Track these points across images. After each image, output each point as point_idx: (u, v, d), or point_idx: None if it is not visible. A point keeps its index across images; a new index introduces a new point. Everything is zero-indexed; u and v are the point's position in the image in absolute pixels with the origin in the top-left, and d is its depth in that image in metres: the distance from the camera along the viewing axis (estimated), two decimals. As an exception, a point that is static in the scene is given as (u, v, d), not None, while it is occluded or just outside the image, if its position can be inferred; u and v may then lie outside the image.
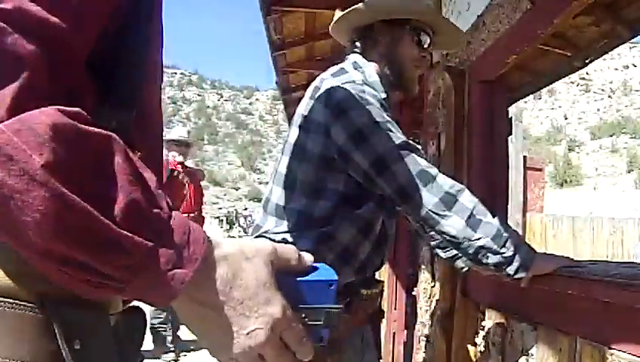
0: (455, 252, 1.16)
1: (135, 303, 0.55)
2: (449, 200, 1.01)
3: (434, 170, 1.03)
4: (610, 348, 0.94)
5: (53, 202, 0.34)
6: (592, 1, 1.25)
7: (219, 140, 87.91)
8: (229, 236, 21.25)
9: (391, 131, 1.04)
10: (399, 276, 3.10)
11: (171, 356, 3.87)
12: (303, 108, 1.13)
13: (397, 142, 1.03)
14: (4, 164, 0.33)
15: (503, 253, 1.01)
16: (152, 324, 3.95)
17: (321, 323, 0.47)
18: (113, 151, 0.38)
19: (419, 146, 1.08)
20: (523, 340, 1.28)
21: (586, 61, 2.18)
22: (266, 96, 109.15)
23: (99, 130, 0.37)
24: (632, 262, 4.10)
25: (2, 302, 0.43)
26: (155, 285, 0.39)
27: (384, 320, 2.12)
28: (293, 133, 1.14)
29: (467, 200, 1.02)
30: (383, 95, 1.15)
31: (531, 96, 3.70)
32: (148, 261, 0.38)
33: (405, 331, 2.95)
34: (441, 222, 1.01)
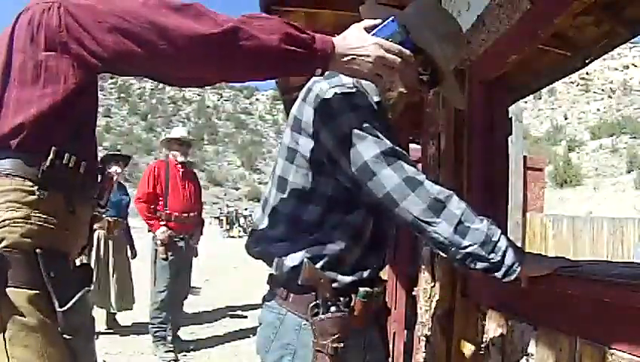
0: None
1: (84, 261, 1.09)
2: (437, 207, 1.00)
3: (421, 176, 1.03)
4: (610, 348, 0.94)
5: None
6: (592, 1, 1.25)
7: (219, 140, 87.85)
8: (230, 236, 21.23)
9: (378, 138, 1.03)
10: (399, 276, 3.10)
11: (171, 356, 3.87)
12: (295, 110, 1.13)
13: (383, 148, 1.02)
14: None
15: (491, 258, 1.01)
16: (152, 324, 3.95)
17: (399, 37, 0.99)
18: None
19: (406, 153, 1.07)
20: (523, 340, 1.28)
21: (586, 61, 2.18)
22: (266, 96, 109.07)
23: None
24: (632, 262, 4.10)
25: (15, 251, 0.87)
26: (321, 49, 0.92)
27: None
28: (287, 135, 1.14)
29: (455, 206, 1.01)
30: (377, 98, 1.14)
31: (531, 96, 3.70)
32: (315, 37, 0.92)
33: (405, 331, 2.95)
34: (428, 229, 1.01)
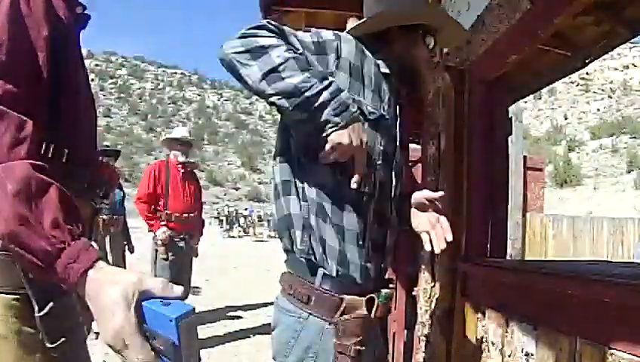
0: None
1: None
2: (257, 51, 0.96)
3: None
4: (610, 348, 0.94)
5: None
6: (592, 1, 1.25)
7: (219, 140, 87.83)
8: (230, 236, 21.24)
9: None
10: (399, 276, 3.09)
11: (171, 356, 3.87)
12: None
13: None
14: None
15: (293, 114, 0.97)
16: (152, 324, 3.96)
17: (164, 349, 0.60)
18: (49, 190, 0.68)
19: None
20: (523, 340, 1.28)
21: (586, 61, 2.18)
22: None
23: (45, 178, 0.69)
24: (632, 262, 4.10)
25: (2, 254, 0.78)
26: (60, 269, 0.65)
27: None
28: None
29: (277, 55, 0.95)
30: (385, 70, 1.18)
31: (531, 96, 3.70)
32: (60, 252, 0.65)
33: (405, 331, 2.95)
34: (240, 69, 0.96)
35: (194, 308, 0.61)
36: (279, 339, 1.13)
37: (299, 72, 0.95)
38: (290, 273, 1.13)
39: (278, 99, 0.96)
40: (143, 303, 0.61)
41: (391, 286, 1.19)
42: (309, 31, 1.10)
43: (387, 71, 1.18)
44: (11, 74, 0.74)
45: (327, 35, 1.10)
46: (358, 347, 1.04)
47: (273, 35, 0.99)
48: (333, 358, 1.04)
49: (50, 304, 0.80)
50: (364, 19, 1.20)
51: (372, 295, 1.09)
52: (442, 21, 1.24)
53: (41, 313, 0.79)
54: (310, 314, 1.08)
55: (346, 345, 1.04)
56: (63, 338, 0.81)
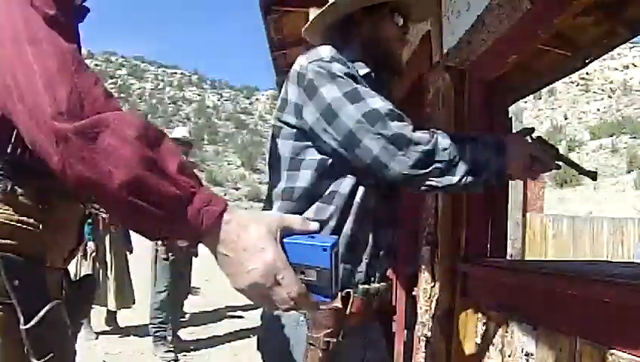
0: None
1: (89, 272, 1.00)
2: (426, 161, 1.02)
3: (407, 131, 1.03)
4: (610, 348, 0.94)
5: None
6: (592, 1, 1.25)
7: (219, 140, 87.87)
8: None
9: (359, 102, 1.03)
10: (399, 276, 3.09)
11: (171, 356, 3.87)
12: (283, 92, 1.14)
13: (365, 111, 1.02)
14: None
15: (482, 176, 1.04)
16: (152, 324, 3.95)
17: (314, 280, 0.60)
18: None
19: (399, 112, 1.07)
20: (523, 340, 1.28)
21: (586, 61, 2.18)
22: (266, 96, 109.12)
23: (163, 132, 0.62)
24: (632, 262, 4.10)
25: None
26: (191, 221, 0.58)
27: (384, 320, 2.12)
28: (274, 120, 1.15)
29: (442, 149, 1.03)
30: (365, 70, 1.15)
31: (531, 96, 3.70)
32: (192, 196, 0.58)
33: (405, 331, 2.95)
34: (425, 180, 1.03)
35: (338, 237, 0.66)
36: (262, 332, 1.16)
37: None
38: None
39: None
40: (285, 240, 0.61)
41: (384, 283, 1.18)
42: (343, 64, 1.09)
43: (367, 70, 1.16)
44: None
45: (345, 70, 1.09)
46: (328, 339, 1.03)
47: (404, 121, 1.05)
48: (305, 350, 1.05)
49: (39, 315, 0.74)
50: (325, 6, 1.18)
51: (349, 289, 1.08)
52: None
53: (28, 325, 0.73)
54: None
55: (317, 337, 1.04)
56: (51, 354, 0.75)
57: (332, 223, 1.07)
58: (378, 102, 1.04)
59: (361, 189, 1.09)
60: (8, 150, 0.75)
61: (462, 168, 1.03)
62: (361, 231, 1.10)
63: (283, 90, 1.14)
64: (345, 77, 1.06)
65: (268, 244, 0.59)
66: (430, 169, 1.02)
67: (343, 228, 1.08)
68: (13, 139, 0.75)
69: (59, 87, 0.59)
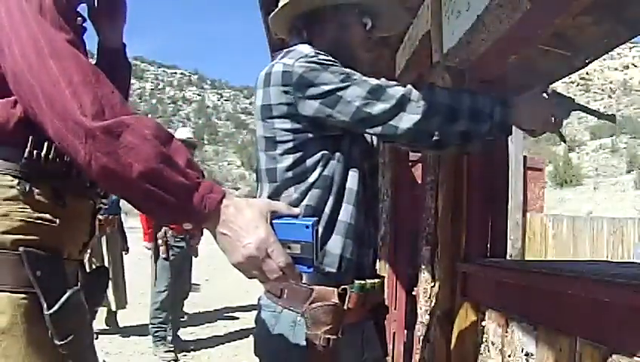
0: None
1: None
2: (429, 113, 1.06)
3: (406, 90, 1.08)
4: (611, 348, 0.94)
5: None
6: (592, 1, 1.25)
7: (219, 140, 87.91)
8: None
9: (357, 80, 1.07)
10: (399, 276, 3.10)
11: (171, 356, 3.87)
12: (260, 100, 1.12)
13: (368, 88, 1.07)
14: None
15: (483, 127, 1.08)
16: (152, 324, 3.95)
17: (299, 252, 0.73)
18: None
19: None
20: (523, 340, 1.28)
21: (586, 61, 2.18)
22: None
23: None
24: (632, 262, 4.10)
25: (9, 252, 0.80)
26: (196, 208, 0.71)
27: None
28: (259, 127, 1.14)
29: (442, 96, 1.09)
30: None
31: (531, 96, 3.68)
32: (197, 185, 0.71)
33: (405, 331, 2.95)
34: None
35: (317, 219, 0.80)
36: (257, 334, 1.15)
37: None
38: None
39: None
40: (274, 221, 0.74)
41: (378, 279, 1.18)
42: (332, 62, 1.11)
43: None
44: None
45: (332, 59, 1.11)
46: (328, 336, 1.03)
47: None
48: (305, 350, 1.04)
49: (59, 302, 0.82)
50: None
51: (345, 286, 1.08)
52: (381, 3, 1.22)
53: (50, 311, 0.81)
54: (284, 307, 1.09)
55: (316, 335, 1.03)
56: (72, 336, 0.83)
57: (312, 204, 1.09)
58: (372, 79, 1.08)
59: (344, 171, 1.12)
60: (25, 155, 0.83)
61: (464, 114, 1.07)
62: (344, 213, 1.11)
63: (261, 98, 1.12)
64: (334, 64, 1.09)
65: (260, 223, 0.73)
66: (433, 119, 1.06)
67: (324, 209, 1.09)
68: (29, 146, 0.83)
69: (84, 96, 0.71)
